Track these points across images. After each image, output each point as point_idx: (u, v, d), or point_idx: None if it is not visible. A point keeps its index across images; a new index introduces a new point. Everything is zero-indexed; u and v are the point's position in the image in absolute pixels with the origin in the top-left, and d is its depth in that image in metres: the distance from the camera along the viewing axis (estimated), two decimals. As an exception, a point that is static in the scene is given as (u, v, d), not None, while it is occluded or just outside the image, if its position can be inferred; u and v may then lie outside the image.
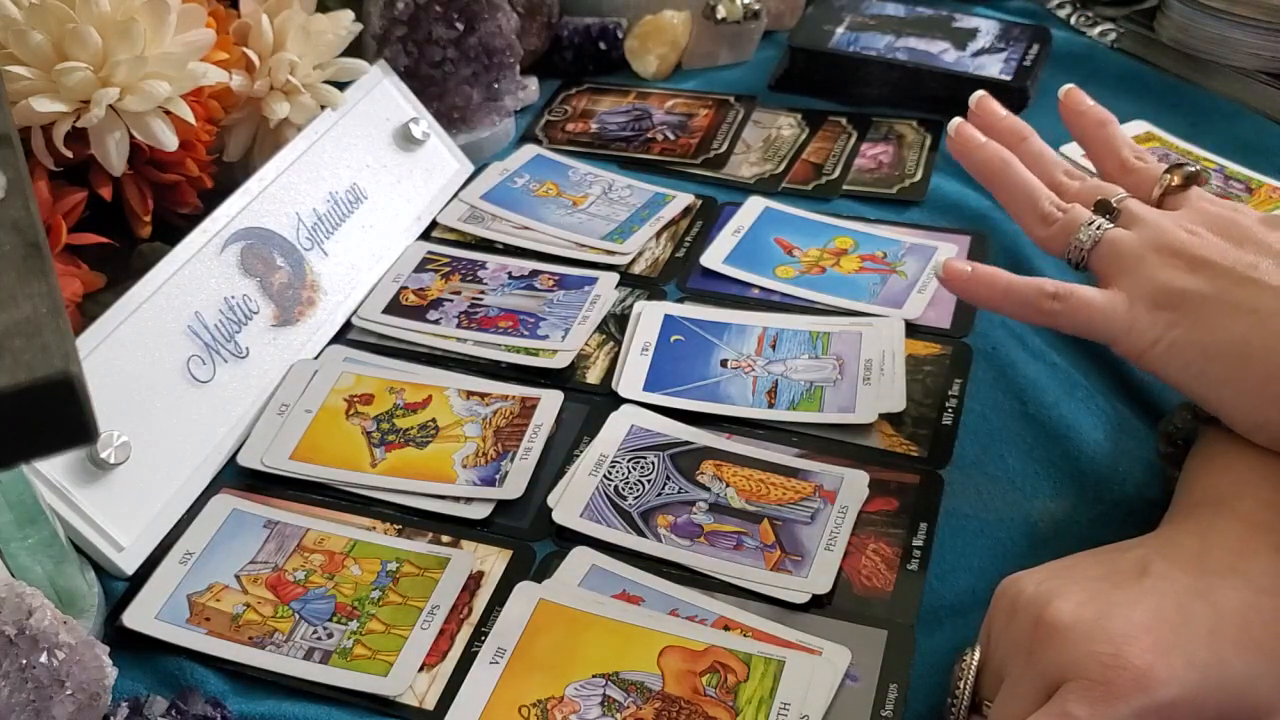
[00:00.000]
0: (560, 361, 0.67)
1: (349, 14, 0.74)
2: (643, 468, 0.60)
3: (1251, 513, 0.49)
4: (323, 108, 0.73)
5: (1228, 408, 0.52)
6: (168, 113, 0.64)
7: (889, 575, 0.55)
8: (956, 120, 0.64)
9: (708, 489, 0.59)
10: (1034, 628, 0.45)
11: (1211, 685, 0.43)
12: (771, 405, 0.64)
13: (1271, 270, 0.51)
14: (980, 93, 0.66)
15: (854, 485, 0.59)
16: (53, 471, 0.55)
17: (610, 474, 0.60)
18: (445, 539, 0.58)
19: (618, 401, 0.64)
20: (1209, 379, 0.52)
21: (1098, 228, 0.56)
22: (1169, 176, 0.58)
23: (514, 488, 0.60)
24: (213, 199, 0.68)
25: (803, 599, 0.54)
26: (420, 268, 0.74)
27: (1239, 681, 0.43)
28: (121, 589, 0.56)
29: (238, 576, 0.56)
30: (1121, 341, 0.54)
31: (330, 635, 0.53)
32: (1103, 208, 0.57)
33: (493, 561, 0.57)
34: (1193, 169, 0.58)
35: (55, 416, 0.33)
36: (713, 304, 0.71)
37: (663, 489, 0.59)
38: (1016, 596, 0.47)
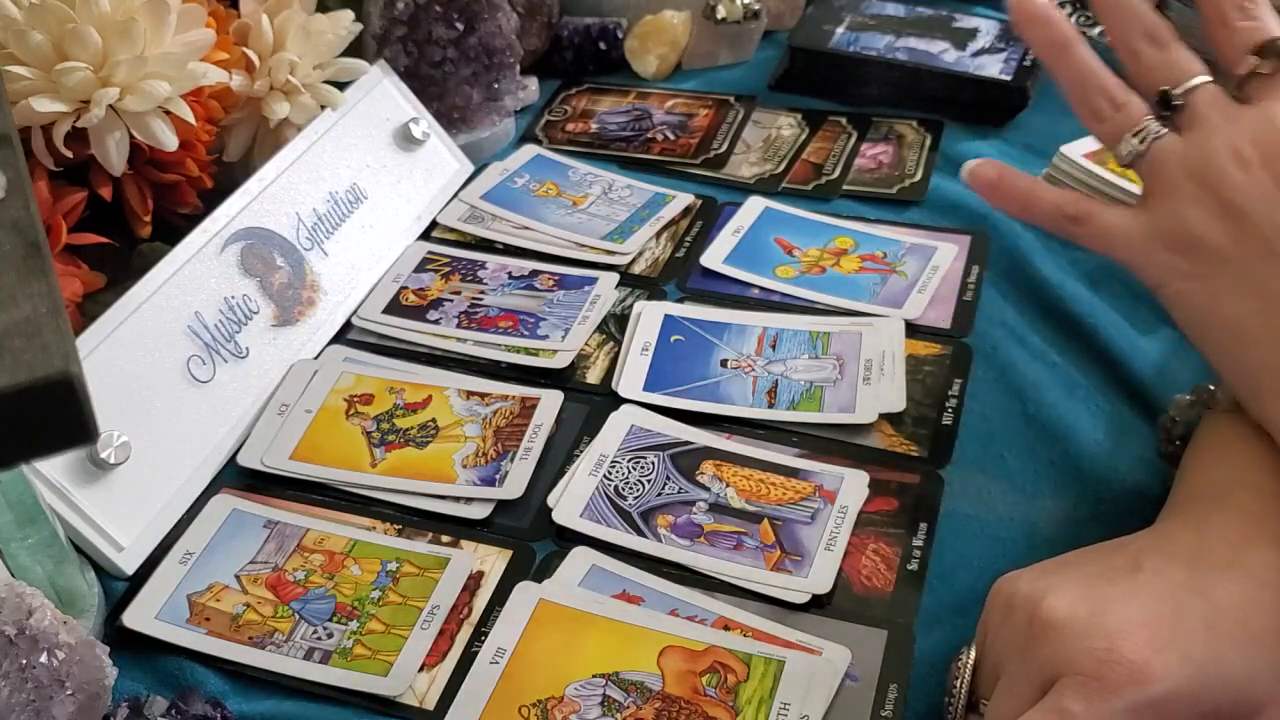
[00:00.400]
0: (560, 361, 0.67)
1: (349, 14, 0.74)
2: (643, 468, 0.60)
3: (1248, 506, 0.48)
4: (323, 108, 0.73)
5: (1223, 374, 0.52)
6: (168, 113, 0.64)
7: (889, 575, 0.55)
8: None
9: (708, 489, 0.59)
10: (1029, 625, 0.45)
11: (1208, 679, 0.43)
12: (771, 405, 0.64)
13: None
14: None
15: (854, 485, 0.59)
16: (53, 471, 0.55)
17: (610, 474, 0.60)
18: (445, 539, 0.58)
19: (618, 401, 0.64)
20: (1208, 343, 0.52)
21: (1142, 140, 0.52)
22: (1255, 60, 0.51)
23: (514, 488, 0.60)
24: (213, 199, 0.68)
25: (803, 599, 0.54)
26: (420, 268, 0.74)
27: (1236, 675, 0.43)
28: (121, 589, 0.56)
29: (238, 576, 0.56)
30: (1134, 272, 0.53)
31: (330, 635, 0.53)
32: (1164, 101, 0.52)
33: (493, 561, 0.57)
34: None
35: (55, 416, 0.33)
36: (713, 304, 0.71)
37: (663, 489, 0.59)
38: (1011, 595, 0.47)
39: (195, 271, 0.64)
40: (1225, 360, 0.51)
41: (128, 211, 0.67)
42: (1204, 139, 0.51)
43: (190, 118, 0.64)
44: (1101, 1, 0.55)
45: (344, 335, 0.70)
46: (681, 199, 0.79)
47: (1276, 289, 0.48)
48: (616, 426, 0.63)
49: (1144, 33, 0.54)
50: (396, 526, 0.59)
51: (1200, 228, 0.50)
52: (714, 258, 0.74)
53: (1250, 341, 0.49)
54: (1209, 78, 0.52)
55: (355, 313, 0.71)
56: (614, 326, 0.70)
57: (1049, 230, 0.56)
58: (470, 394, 0.65)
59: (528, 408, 0.64)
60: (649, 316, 0.69)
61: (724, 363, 0.66)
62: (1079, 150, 0.75)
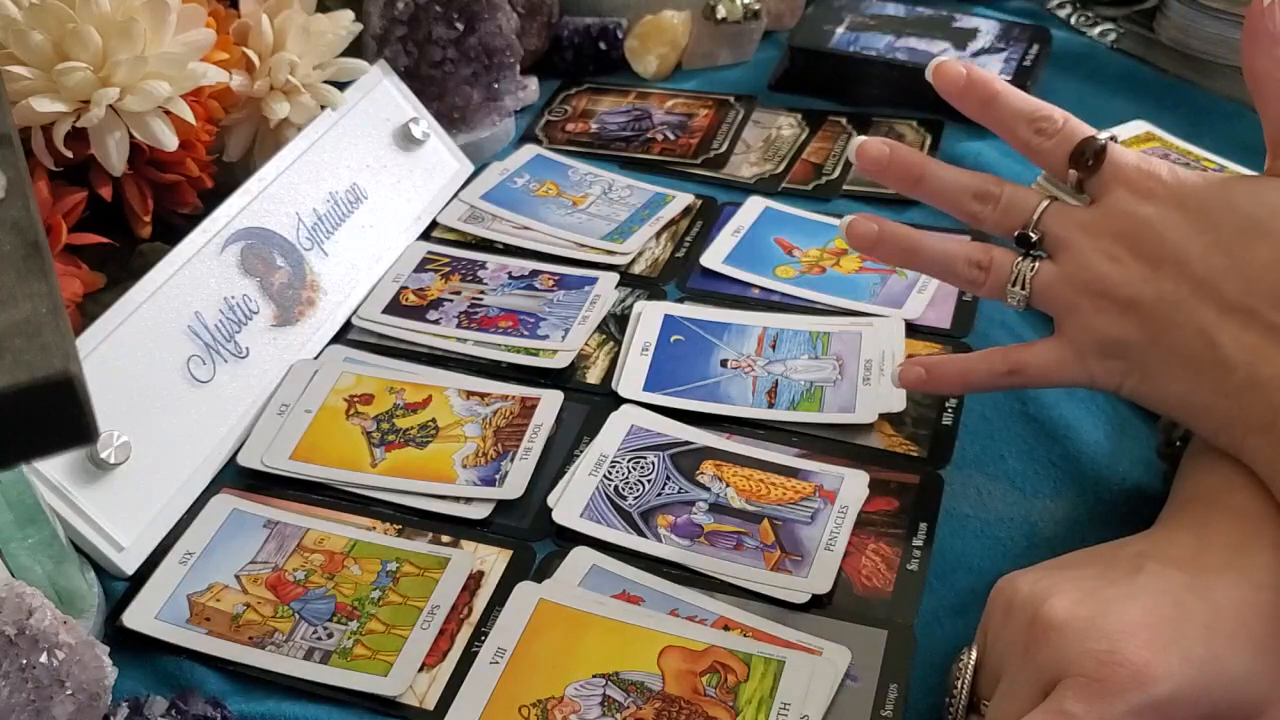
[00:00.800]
0: (560, 361, 0.67)
1: (349, 14, 0.74)
2: (643, 468, 0.60)
3: (1247, 507, 0.49)
4: (323, 108, 0.73)
5: (1202, 438, 0.53)
6: (168, 113, 0.64)
7: (889, 575, 0.55)
8: (847, 219, 0.59)
9: (708, 489, 0.59)
10: (1030, 626, 0.45)
11: (1208, 681, 0.43)
12: (771, 405, 0.64)
13: (1194, 308, 0.50)
14: (859, 141, 0.58)
15: (854, 485, 0.59)
16: (53, 471, 0.55)
17: (610, 474, 0.60)
18: (445, 539, 0.58)
19: (618, 401, 0.64)
20: (1176, 417, 0.54)
21: (1023, 285, 0.54)
22: (1075, 171, 0.54)
23: (514, 488, 0.60)
24: (213, 199, 0.68)
25: (803, 599, 0.54)
26: (420, 268, 0.74)
27: (1236, 677, 0.43)
28: (121, 589, 0.56)
29: (238, 576, 0.56)
30: (1091, 388, 0.55)
31: (330, 635, 0.53)
32: (1023, 241, 0.55)
33: (493, 561, 0.57)
34: (1097, 148, 0.53)
35: (55, 416, 0.33)
36: (713, 304, 0.71)
37: (663, 489, 0.59)
38: (1012, 596, 0.47)
39: (195, 271, 0.64)
40: (1195, 426, 0.53)
41: (128, 211, 0.67)
42: (1074, 256, 0.53)
43: (190, 118, 0.64)
44: (925, 191, 0.57)
45: (344, 335, 0.70)
46: (681, 199, 0.79)
47: (1193, 352, 0.50)
48: (616, 426, 0.63)
49: (973, 196, 0.56)
50: (396, 526, 0.59)
51: (1113, 330, 0.52)
52: (714, 258, 0.74)
53: (1201, 408, 0.51)
54: (1048, 199, 0.54)
55: (355, 313, 0.71)
56: (614, 326, 0.70)
57: (996, 391, 0.59)
58: (470, 394, 0.65)
59: (528, 408, 0.64)
60: (649, 316, 0.69)
61: (724, 363, 0.66)
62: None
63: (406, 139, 0.78)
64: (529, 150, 0.84)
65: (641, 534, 0.57)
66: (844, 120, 0.87)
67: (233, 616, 0.54)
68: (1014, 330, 0.67)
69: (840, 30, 0.91)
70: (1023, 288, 0.54)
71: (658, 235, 0.76)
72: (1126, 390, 0.53)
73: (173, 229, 0.67)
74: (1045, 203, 0.54)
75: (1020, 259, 0.55)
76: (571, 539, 0.57)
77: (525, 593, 0.54)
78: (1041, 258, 0.54)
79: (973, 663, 0.47)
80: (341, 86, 0.75)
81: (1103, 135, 0.54)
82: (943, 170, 0.57)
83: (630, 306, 0.71)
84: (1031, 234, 0.54)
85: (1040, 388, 0.59)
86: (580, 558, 0.56)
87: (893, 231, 0.58)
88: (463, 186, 0.81)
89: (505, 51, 0.82)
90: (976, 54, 0.88)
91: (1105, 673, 0.42)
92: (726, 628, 0.53)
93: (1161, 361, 0.51)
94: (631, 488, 0.59)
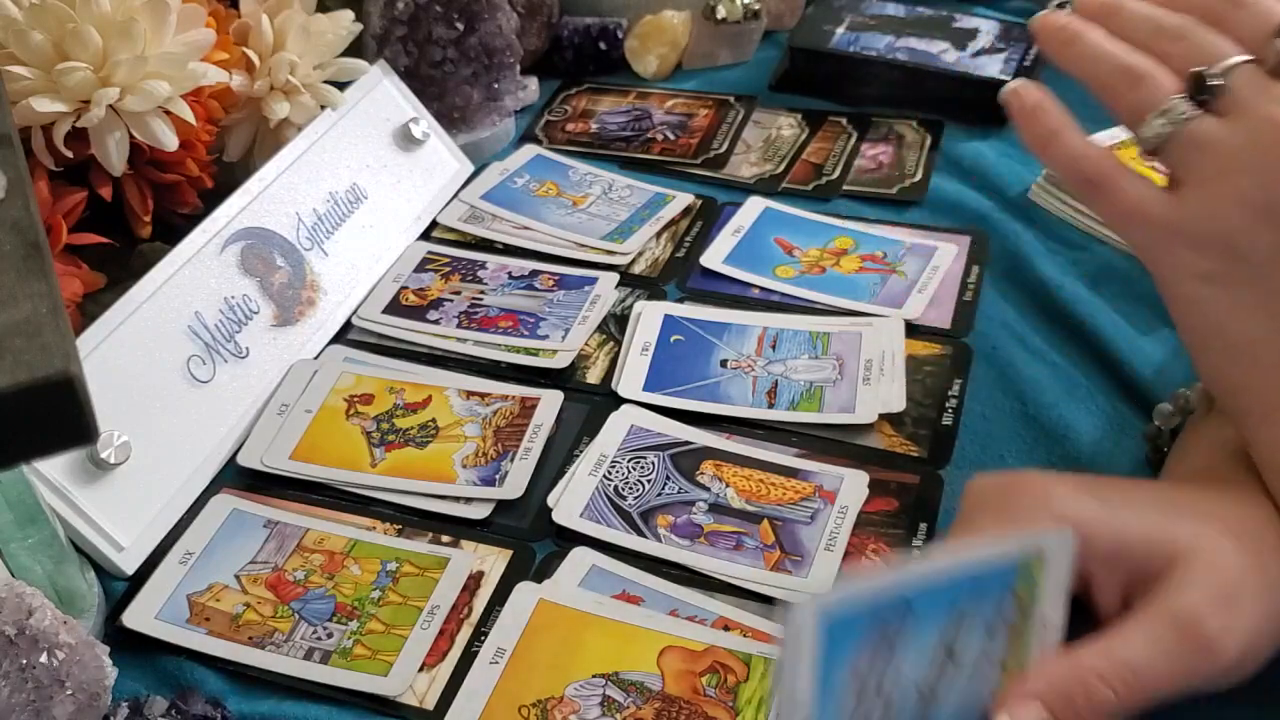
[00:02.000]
0: (560, 361, 0.67)
1: (349, 14, 0.74)
2: (643, 468, 0.60)
3: (1227, 476, 0.48)
4: (323, 108, 0.73)
5: (1213, 389, 0.49)
6: (168, 113, 0.64)
7: (889, 575, 0.55)
8: (1038, 15, 0.50)
9: (708, 489, 0.59)
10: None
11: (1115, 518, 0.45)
12: (771, 405, 0.64)
13: None
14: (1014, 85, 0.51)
15: (854, 485, 0.59)
16: (53, 471, 0.55)
17: (610, 474, 0.60)
18: (445, 539, 0.58)
19: (618, 401, 0.64)
20: (1208, 355, 0.47)
21: (1169, 121, 0.44)
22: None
23: (514, 488, 0.60)
24: (213, 199, 0.68)
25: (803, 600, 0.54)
26: (420, 268, 0.74)
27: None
28: (121, 589, 0.56)
29: (238, 576, 0.56)
30: (1145, 262, 0.47)
31: (330, 635, 0.53)
32: (1197, 82, 0.44)
33: (493, 561, 0.57)
34: None
35: (55, 416, 0.33)
36: (713, 304, 0.71)
37: (663, 489, 0.59)
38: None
39: (195, 271, 0.64)
40: (1220, 377, 0.47)
41: (128, 211, 0.67)
42: (1255, 128, 0.43)
43: (190, 118, 0.64)
44: (1117, 25, 0.49)
45: (344, 335, 0.70)
46: (681, 199, 0.79)
47: None
48: (616, 426, 0.63)
49: (1169, 35, 0.47)
50: (396, 526, 0.59)
51: (1238, 230, 0.43)
52: (714, 258, 0.74)
53: (1257, 364, 0.44)
54: (1247, 56, 0.44)
55: (355, 313, 0.71)
56: (614, 326, 0.70)
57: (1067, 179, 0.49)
58: (470, 394, 0.65)
59: (528, 408, 0.64)
60: (649, 316, 0.69)
61: (724, 363, 0.66)
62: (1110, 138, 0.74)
63: (406, 139, 0.78)
64: (529, 150, 0.84)
65: (641, 534, 0.57)
66: (844, 120, 0.87)
67: (233, 616, 0.54)
68: (1015, 331, 0.67)
69: (840, 30, 0.91)
70: (1169, 124, 0.44)
71: (658, 235, 0.76)
72: (1181, 293, 0.45)
73: (173, 229, 0.67)
74: (1245, 57, 0.44)
75: (1183, 97, 0.45)
76: (571, 539, 0.57)
77: (525, 593, 0.54)
78: (1209, 105, 0.44)
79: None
80: (341, 86, 0.75)
81: None
82: (1137, 9, 0.48)
83: (630, 306, 0.71)
84: (1211, 77, 0.44)
85: (1103, 219, 0.49)
86: (580, 558, 0.56)
87: (1070, 26, 0.49)
88: (463, 186, 0.81)
89: (505, 51, 0.82)
90: (976, 54, 0.88)
91: None
92: (726, 628, 0.53)
93: (1263, 294, 0.43)
94: (631, 488, 0.59)
